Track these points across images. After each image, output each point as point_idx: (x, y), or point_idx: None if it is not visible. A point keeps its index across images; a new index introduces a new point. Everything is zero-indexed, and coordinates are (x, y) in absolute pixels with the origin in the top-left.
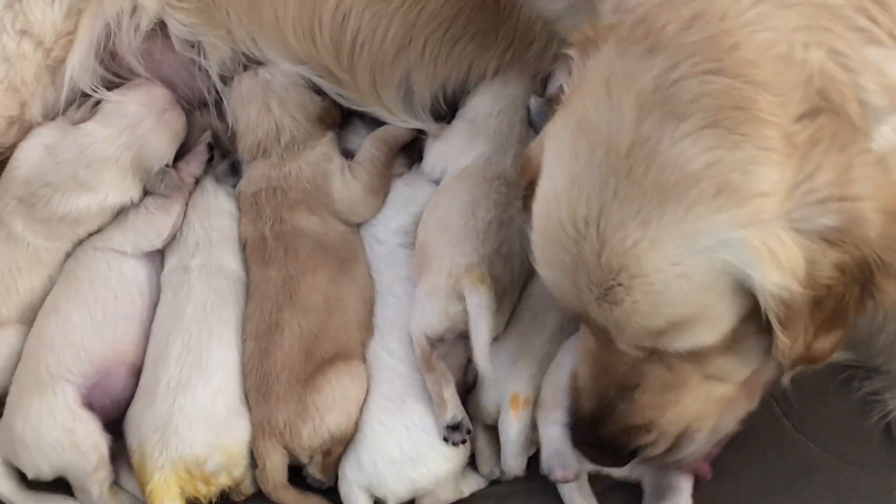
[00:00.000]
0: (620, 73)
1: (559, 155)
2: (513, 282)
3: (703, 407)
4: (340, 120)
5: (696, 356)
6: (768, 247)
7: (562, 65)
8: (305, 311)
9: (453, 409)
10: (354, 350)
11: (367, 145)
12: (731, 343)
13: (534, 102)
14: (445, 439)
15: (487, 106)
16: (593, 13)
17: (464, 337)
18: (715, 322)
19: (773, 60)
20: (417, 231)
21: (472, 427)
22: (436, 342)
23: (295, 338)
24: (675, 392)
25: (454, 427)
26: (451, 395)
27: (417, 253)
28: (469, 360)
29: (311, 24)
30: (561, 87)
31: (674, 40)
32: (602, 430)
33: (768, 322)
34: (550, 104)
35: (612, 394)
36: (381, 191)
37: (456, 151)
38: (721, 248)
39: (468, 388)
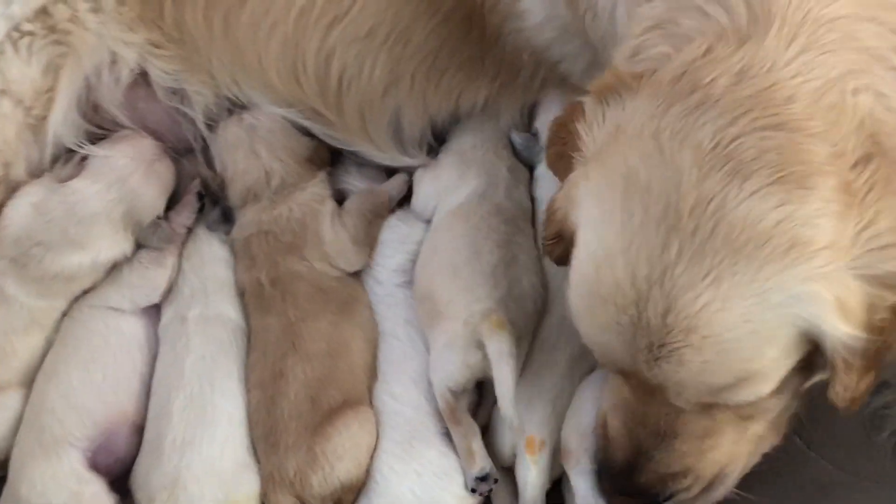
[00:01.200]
0: (670, 129)
1: (606, 213)
2: (526, 324)
3: (739, 448)
4: (330, 160)
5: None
6: (837, 297)
7: (550, 96)
8: (310, 358)
9: (482, 461)
10: (361, 395)
11: (357, 197)
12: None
13: (517, 138)
14: (473, 490)
15: (473, 138)
16: (586, 44)
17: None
18: (775, 372)
19: (826, 110)
20: (416, 276)
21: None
22: (459, 394)
23: (300, 385)
24: (714, 437)
25: (482, 478)
26: (479, 446)
27: (423, 301)
28: (480, 402)
29: (295, 66)
30: (554, 123)
31: (726, 95)
32: (637, 479)
33: (806, 361)
34: (535, 138)
35: (649, 443)
36: (366, 244)
37: (447, 187)
38: (793, 302)
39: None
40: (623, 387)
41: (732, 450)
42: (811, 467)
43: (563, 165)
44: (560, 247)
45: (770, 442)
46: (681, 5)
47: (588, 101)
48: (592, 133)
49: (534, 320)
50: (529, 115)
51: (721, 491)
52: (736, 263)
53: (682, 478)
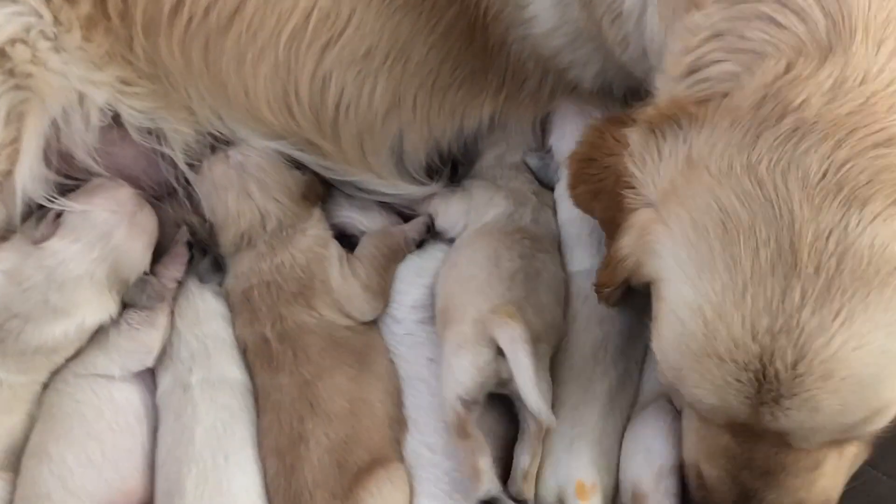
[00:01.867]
0: (767, 160)
1: (704, 263)
2: (546, 332)
3: (840, 471)
4: (325, 192)
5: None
6: None
7: (561, 107)
8: (330, 419)
9: (488, 483)
10: (390, 451)
11: (368, 243)
12: None
13: (532, 160)
14: None
15: (497, 162)
16: (598, 49)
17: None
18: None
19: None
20: (436, 297)
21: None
22: (471, 404)
23: (323, 450)
24: (821, 466)
25: (487, 502)
26: (486, 465)
27: (440, 317)
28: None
29: (287, 95)
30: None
31: (823, 116)
32: None
33: None
34: (549, 156)
35: (757, 485)
36: (379, 293)
37: (478, 207)
38: None
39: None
40: (722, 435)
41: (836, 474)
42: (870, 483)
43: (604, 205)
44: (619, 292)
45: (862, 458)
46: (743, 13)
47: (635, 134)
48: (649, 170)
49: (553, 335)
50: (542, 128)
51: None
52: (868, 295)
53: None
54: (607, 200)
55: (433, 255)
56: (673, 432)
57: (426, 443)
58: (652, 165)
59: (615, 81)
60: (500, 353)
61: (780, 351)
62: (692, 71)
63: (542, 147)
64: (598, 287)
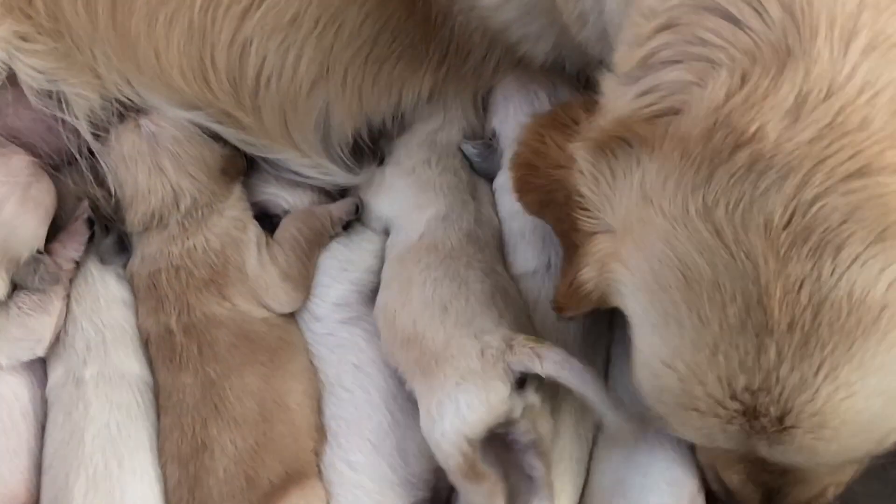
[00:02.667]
0: (723, 205)
1: (669, 316)
2: None
3: None
4: (246, 168)
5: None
6: None
7: (505, 84)
8: (237, 424)
9: None
10: (307, 465)
11: (289, 224)
12: None
13: (469, 148)
14: None
15: (425, 152)
16: (552, 24)
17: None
18: None
19: None
20: (389, 322)
21: None
22: (477, 444)
23: (230, 459)
24: None
25: None
26: None
27: (408, 347)
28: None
29: (202, 62)
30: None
31: (782, 147)
32: None
33: None
34: (492, 144)
35: (778, 483)
36: (300, 283)
37: (403, 210)
38: None
39: None
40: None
41: None
42: None
43: (555, 217)
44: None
45: None
46: (698, 2)
47: (583, 151)
48: (603, 191)
49: None
50: (483, 104)
51: None
52: (851, 347)
53: (823, 496)
54: (558, 213)
55: (361, 246)
56: (685, 454)
57: (347, 460)
58: (606, 186)
59: (569, 60)
60: (516, 388)
61: (762, 407)
62: (641, 71)
63: (482, 128)
64: (560, 309)
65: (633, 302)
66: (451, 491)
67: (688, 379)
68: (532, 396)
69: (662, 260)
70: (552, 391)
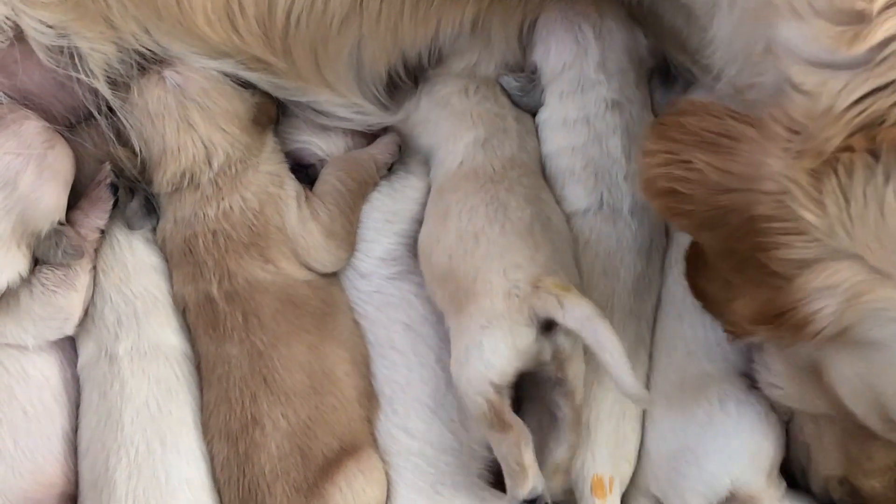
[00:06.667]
0: None
1: None
2: None
3: None
4: (278, 115)
5: None
6: None
7: (549, 14)
8: (288, 397)
9: (535, 479)
10: (361, 435)
11: (329, 175)
12: None
13: (509, 82)
14: None
15: (459, 81)
16: None
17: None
18: None
19: None
20: (426, 254)
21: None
22: (504, 389)
23: (282, 435)
24: None
25: (531, 501)
26: (532, 459)
27: (443, 284)
28: None
29: (229, 5)
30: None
31: None
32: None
33: None
34: (532, 80)
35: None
36: (345, 239)
37: (441, 140)
38: None
39: None
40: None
41: None
42: None
43: (723, 238)
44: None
45: None
46: None
47: (795, 172)
48: (832, 216)
49: None
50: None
51: None
52: None
53: None
54: (730, 236)
55: (405, 194)
56: (772, 423)
57: (404, 427)
58: (837, 209)
59: None
60: (544, 331)
61: None
62: (871, 54)
63: (524, 63)
64: (738, 336)
65: None
66: None
67: None
68: (562, 339)
69: None
70: None
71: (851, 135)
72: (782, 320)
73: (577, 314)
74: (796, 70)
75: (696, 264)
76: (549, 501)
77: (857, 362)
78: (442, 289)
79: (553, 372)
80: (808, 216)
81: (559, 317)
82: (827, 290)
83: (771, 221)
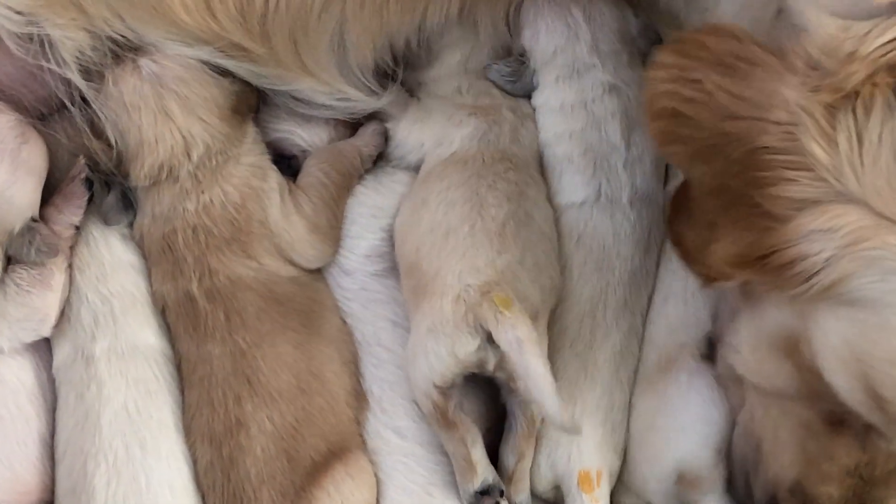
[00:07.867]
0: None
1: None
2: (543, 301)
3: None
4: (258, 103)
5: None
6: None
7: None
8: (274, 399)
9: (484, 471)
10: (349, 437)
11: (313, 167)
12: None
13: (496, 72)
14: None
15: (452, 80)
16: None
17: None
18: None
19: None
20: (398, 245)
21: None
22: (448, 391)
23: (268, 438)
24: None
25: (484, 492)
26: (479, 455)
27: (409, 275)
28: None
29: None
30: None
31: None
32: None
33: None
34: (522, 63)
35: (881, 494)
36: (329, 233)
37: (437, 135)
38: None
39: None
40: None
41: None
42: None
43: (718, 172)
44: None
45: None
46: None
47: (811, 103)
48: (843, 155)
49: (551, 301)
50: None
51: None
52: None
53: None
54: (725, 169)
55: (392, 188)
56: (722, 399)
57: (394, 426)
58: (849, 149)
59: None
60: (489, 340)
61: None
62: None
63: (512, 47)
64: (712, 281)
65: None
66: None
67: None
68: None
69: None
70: None
71: (875, 73)
72: (766, 262)
73: (509, 336)
74: (818, 19)
75: (678, 208)
76: (503, 489)
77: (848, 327)
78: (407, 279)
79: (504, 381)
80: (818, 151)
81: (493, 333)
82: (824, 233)
83: (776, 153)
